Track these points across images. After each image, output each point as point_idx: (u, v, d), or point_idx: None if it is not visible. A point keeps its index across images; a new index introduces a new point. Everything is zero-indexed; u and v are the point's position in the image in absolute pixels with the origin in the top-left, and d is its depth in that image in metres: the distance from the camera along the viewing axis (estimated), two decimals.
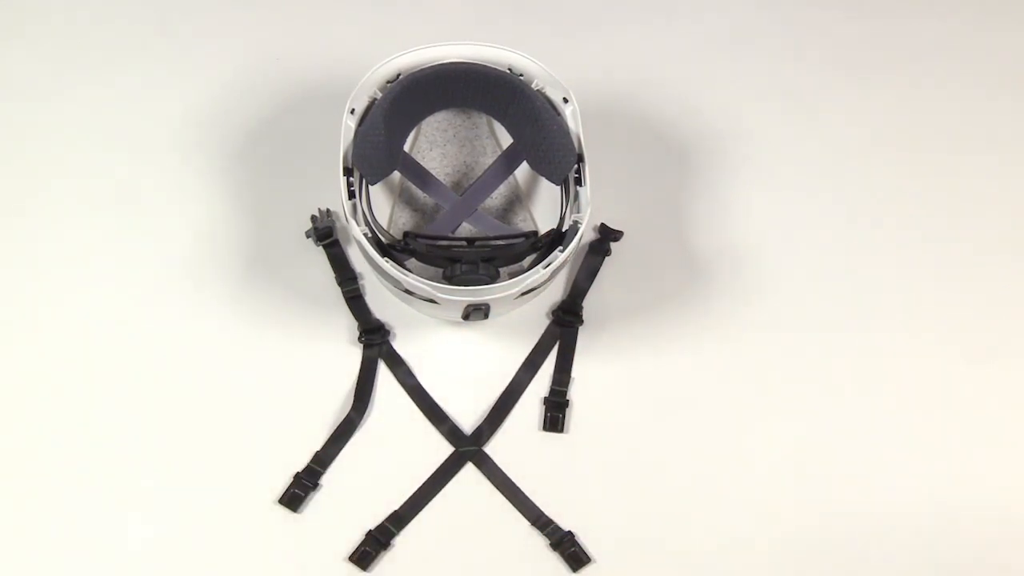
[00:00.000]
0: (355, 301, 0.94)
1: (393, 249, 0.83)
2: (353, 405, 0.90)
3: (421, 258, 0.84)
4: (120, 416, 0.90)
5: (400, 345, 0.93)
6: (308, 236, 0.96)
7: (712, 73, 1.09)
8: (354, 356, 0.92)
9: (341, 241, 0.96)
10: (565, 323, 0.93)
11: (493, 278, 0.82)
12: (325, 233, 0.95)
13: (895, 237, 1.00)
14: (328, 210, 0.97)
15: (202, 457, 0.88)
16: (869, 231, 1.00)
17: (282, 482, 0.87)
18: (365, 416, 0.90)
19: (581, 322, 0.93)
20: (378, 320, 0.94)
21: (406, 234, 0.82)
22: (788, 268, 0.98)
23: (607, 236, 0.97)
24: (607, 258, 0.96)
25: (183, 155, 1.01)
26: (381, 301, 0.94)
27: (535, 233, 0.83)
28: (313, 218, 0.96)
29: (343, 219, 0.82)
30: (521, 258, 0.86)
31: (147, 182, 1.00)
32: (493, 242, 0.83)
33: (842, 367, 0.94)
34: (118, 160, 1.01)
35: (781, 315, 0.95)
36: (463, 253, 0.81)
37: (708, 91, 1.07)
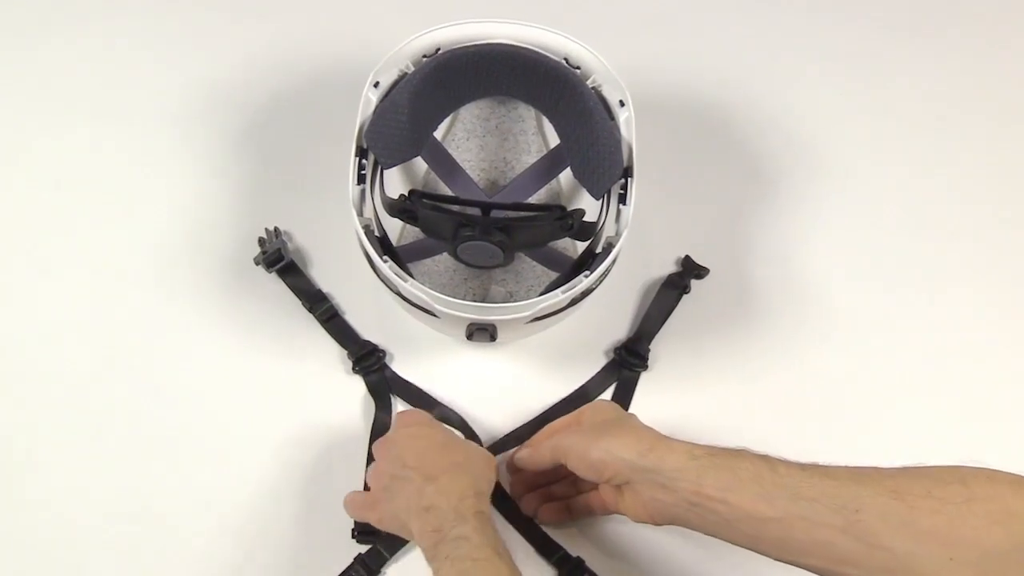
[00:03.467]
0: (333, 323, 0.81)
1: (393, 211, 0.73)
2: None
3: (424, 225, 0.73)
4: (101, 427, 0.78)
5: (402, 369, 0.81)
6: (257, 263, 0.83)
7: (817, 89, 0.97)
8: (349, 385, 0.80)
9: (298, 263, 0.83)
10: (626, 365, 0.81)
11: (506, 251, 0.71)
12: (275, 258, 0.82)
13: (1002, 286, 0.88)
14: (276, 229, 0.84)
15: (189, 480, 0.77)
16: (973, 274, 0.88)
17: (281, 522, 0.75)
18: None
19: (645, 367, 0.81)
20: (368, 342, 0.81)
21: (411, 192, 0.71)
22: (893, 329, 0.84)
23: (689, 271, 0.84)
24: (684, 296, 0.84)
25: (176, 137, 0.91)
26: (367, 322, 0.82)
27: (562, 208, 0.71)
28: (261, 240, 0.84)
29: (353, 204, 0.71)
30: (543, 240, 0.75)
31: (133, 161, 0.90)
32: (512, 212, 0.71)
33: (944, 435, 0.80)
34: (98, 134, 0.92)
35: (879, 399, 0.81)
36: (474, 219, 0.70)
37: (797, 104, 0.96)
